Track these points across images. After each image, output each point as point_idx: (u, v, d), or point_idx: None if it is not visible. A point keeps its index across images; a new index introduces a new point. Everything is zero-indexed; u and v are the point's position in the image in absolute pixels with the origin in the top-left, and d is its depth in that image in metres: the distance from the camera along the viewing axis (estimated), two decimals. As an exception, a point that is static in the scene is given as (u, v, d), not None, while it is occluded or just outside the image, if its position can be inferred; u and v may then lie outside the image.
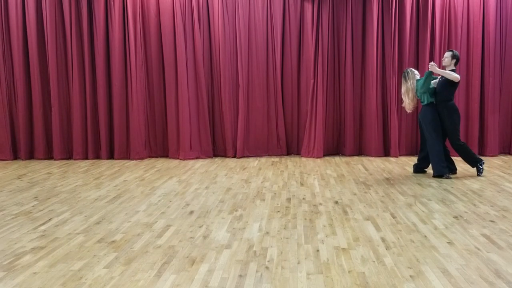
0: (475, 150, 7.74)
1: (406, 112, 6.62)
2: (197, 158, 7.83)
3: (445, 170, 6.07)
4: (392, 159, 7.63)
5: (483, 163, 6.29)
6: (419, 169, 6.44)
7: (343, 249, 3.63)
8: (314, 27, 7.69)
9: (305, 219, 4.42)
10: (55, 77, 7.76)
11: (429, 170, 6.43)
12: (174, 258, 3.50)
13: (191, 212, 4.69)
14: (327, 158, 7.79)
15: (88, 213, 4.71)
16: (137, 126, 7.76)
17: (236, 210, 4.73)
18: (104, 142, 7.89)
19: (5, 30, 7.75)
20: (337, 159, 7.70)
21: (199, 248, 3.69)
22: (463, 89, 7.77)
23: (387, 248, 3.64)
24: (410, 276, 3.14)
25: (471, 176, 6.19)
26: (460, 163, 6.58)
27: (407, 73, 6.24)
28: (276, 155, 8.03)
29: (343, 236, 3.91)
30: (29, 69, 7.84)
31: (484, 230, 4.06)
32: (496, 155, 7.78)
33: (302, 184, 5.87)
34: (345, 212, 4.62)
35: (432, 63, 5.99)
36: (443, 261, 3.38)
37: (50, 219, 4.54)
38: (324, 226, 4.20)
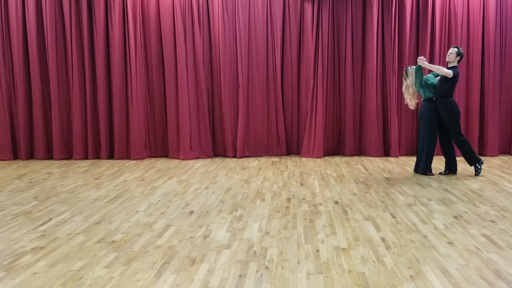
0: (475, 150, 7.74)
1: (410, 109, 6.60)
2: (197, 158, 7.83)
3: (429, 170, 6.22)
4: (392, 159, 7.64)
5: (482, 163, 6.29)
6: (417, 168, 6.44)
7: (343, 249, 3.63)
8: (314, 27, 7.69)
9: (305, 219, 4.42)
10: (55, 77, 7.76)
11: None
12: (174, 258, 3.50)
13: (191, 212, 4.69)
14: (327, 158, 7.79)
15: (88, 213, 4.71)
16: (137, 126, 7.77)
17: (236, 210, 4.73)
18: (104, 142, 7.89)
19: (5, 30, 7.76)
20: (337, 159, 7.70)
21: (199, 248, 3.69)
22: (463, 88, 7.78)
23: (387, 248, 3.64)
24: (410, 276, 3.14)
25: (471, 176, 6.19)
26: (460, 163, 6.58)
27: (406, 71, 6.28)
28: (276, 155, 8.03)
29: (343, 236, 3.91)
30: (29, 69, 7.84)
31: (484, 230, 4.06)
32: (496, 155, 7.78)
33: (302, 184, 5.87)
34: (345, 212, 4.62)
35: (421, 57, 6.02)
36: (443, 261, 3.38)
37: (50, 219, 4.54)
38: (324, 226, 4.20)
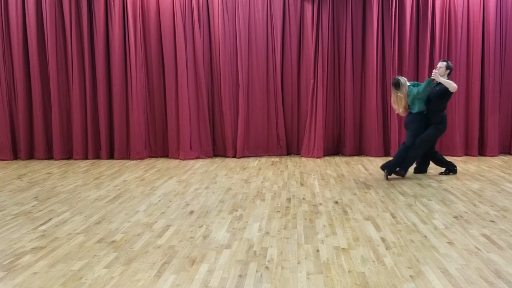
0: (475, 150, 7.76)
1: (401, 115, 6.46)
2: (197, 158, 7.83)
3: (402, 172, 6.11)
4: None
5: (403, 174, 6.07)
6: (419, 170, 6.42)
7: (343, 249, 3.63)
8: (314, 27, 7.68)
9: (305, 219, 4.42)
10: (55, 77, 7.76)
11: (430, 169, 6.43)
12: (174, 258, 3.50)
13: (191, 212, 4.69)
14: (327, 158, 7.79)
15: (88, 213, 4.71)
16: (137, 126, 7.76)
17: (236, 210, 4.73)
18: (104, 142, 7.89)
19: (5, 30, 7.75)
20: (337, 159, 7.70)
21: (199, 248, 3.69)
22: (463, 89, 7.77)
23: (387, 248, 3.64)
24: (410, 276, 3.14)
25: (471, 176, 6.19)
26: (460, 163, 6.58)
27: (398, 82, 6.05)
28: (276, 155, 8.03)
29: (343, 236, 3.91)
30: (29, 69, 7.84)
31: (484, 230, 4.06)
32: (496, 155, 7.78)
33: (302, 184, 5.87)
34: (345, 212, 4.62)
35: (435, 70, 5.93)
36: (443, 261, 3.38)
37: (50, 219, 4.54)
38: (324, 226, 4.20)
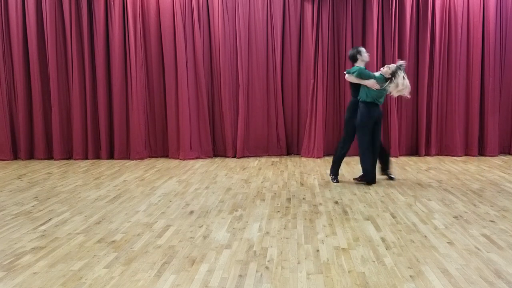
0: (475, 150, 7.76)
1: (408, 98, 6.18)
2: (197, 158, 7.83)
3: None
4: (392, 159, 7.62)
5: (335, 179, 5.98)
6: (384, 168, 6.10)
7: (343, 249, 3.63)
8: (314, 27, 7.68)
9: (305, 219, 4.42)
10: (55, 77, 7.76)
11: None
12: (174, 258, 3.50)
13: (191, 212, 4.69)
14: (327, 158, 7.78)
15: (88, 213, 4.71)
16: (137, 126, 7.76)
17: (236, 210, 4.73)
18: (104, 142, 7.89)
19: (5, 30, 7.75)
20: (337, 159, 7.69)
21: (199, 248, 3.69)
22: (463, 89, 7.78)
23: (387, 248, 3.64)
24: (410, 276, 3.14)
25: (471, 176, 6.19)
26: (460, 163, 6.58)
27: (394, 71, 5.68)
28: (276, 155, 8.03)
29: (343, 236, 3.91)
30: (29, 69, 7.84)
31: (484, 230, 4.06)
32: (496, 155, 7.78)
33: (302, 184, 5.87)
34: (345, 212, 4.62)
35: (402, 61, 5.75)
36: (443, 261, 3.38)
37: (50, 219, 4.54)
38: (324, 226, 4.20)
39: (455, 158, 7.64)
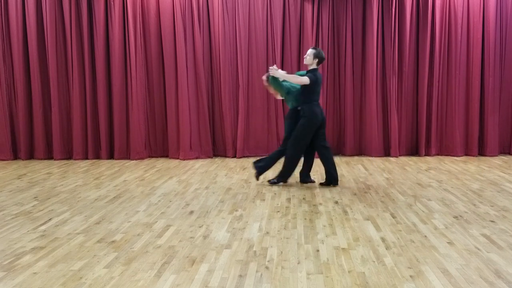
0: (475, 150, 7.76)
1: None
2: (197, 158, 7.82)
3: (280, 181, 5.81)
4: (392, 159, 7.63)
5: (280, 181, 5.81)
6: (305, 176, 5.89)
7: (343, 249, 3.63)
8: (314, 27, 7.68)
9: (305, 219, 4.42)
10: (55, 77, 7.76)
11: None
12: (174, 258, 3.50)
13: (191, 212, 4.69)
14: (327, 158, 7.78)
15: (88, 213, 4.71)
16: (137, 126, 7.76)
17: (236, 210, 4.73)
18: (104, 142, 7.89)
19: (5, 30, 7.75)
20: (337, 159, 7.68)
21: (199, 248, 3.69)
22: (463, 89, 7.78)
23: (387, 248, 3.64)
24: (410, 276, 3.14)
25: (471, 176, 6.19)
26: (460, 163, 6.58)
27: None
28: (276, 155, 8.02)
29: (343, 236, 3.91)
30: (29, 69, 7.84)
31: (484, 230, 4.06)
32: (496, 155, 7.78)
33: (302, 184, 5.87)
34: (345, 212, 4.62)
35: (272, 66, 5.57)
36: (443, 261, 3.38)
37: (50, 219, 4.54)
38: (324, 226, 4.20)
39: (455, 158, 7.64)
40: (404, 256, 3.48)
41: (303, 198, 5.17)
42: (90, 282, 3.12)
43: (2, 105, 7.84)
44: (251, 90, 7.90)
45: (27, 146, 7.96)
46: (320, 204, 4.93)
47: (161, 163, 7.47)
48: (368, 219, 4.38)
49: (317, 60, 5.51)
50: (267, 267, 3.30)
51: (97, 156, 7.96)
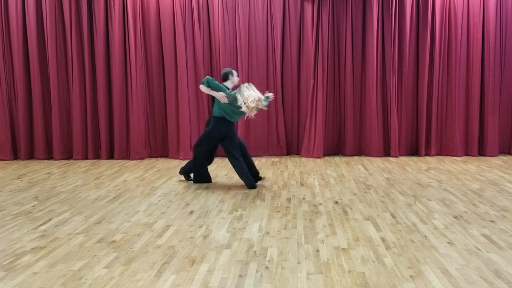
0: (475, 150, 7.76)
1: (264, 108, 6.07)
2: (197, 158, 7.82)
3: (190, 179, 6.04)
4: (392, 159, 7.63)
5: (191, 179, 6.04)
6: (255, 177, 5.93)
7: (343, 249, 3.63)
8: (314, 27, 7.68)
9: (305, 219, 4.42)
10: (55, 77, 7.76)
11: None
12: (174, 258, 3.50)
13: (191, 212, 4.69)
14: (327, 158, 7.79)
15: (88, 213, 4.71)
16: (137, 126, 7.76)
17: (236, 210, 4.73)
18: (104, 142, 7.89)
19: (5, 30, 7.75)
20: (337, 159, 7.70)
21: (199, 248, 3.69)
22: (463, 89, 7.78)
23: (387, 248, 3.64)
24: (410, 276, 3.14)
25: (471, 176, 6.19)
26: (460, 163, 6.58)
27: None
28: (276, 155, 8.02)
29: (343, 236, 3.91)
30: (29, 69, 7.84)
31: (484, 230, 4.06)
32: (496, 155, 7.78)
33: (302, 184, 5.87)
34: (345, 212, 4.62)
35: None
36: (443, 261, 3.38)
37: (50, 219, 4.54)
38: (324, 226, 4.20)
39: (455, 158, 7.64)
40: (404, 256, 3.48)
41: (303, 198, 5.17)
42: (90, 282, 3.12)
43: (2, 105, 7.84)
44: (251, 90, 7.89)
45: (27, 146, 7.96)
46: (320, 204, 4.93)
47: (161, 163, 7.47)
48: (368, 219, 4.38)
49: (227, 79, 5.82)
50: (267, 267, 3.30)
51: (97, 156, 7.96)
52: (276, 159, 7.75)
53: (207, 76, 5.76)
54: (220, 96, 5.59)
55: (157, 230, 4.15)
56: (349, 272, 3.21)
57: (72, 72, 7.78)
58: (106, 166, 7.29)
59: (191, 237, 3.95)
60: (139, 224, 4.34)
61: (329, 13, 7.71)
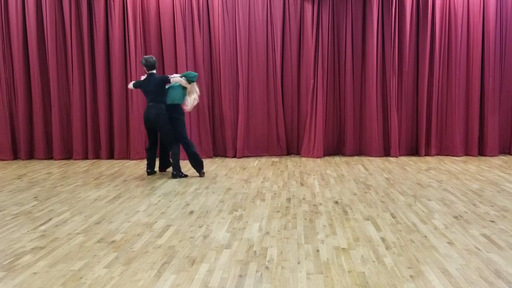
0: (475, 150, 7.77)
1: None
2: (197, 158, 7.82)
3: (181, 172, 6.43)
4: (392, 159, 7.63)
5: (185, 174, 6.42)
6: (163, 167, 6.74)
7: (343, 249, 3.63)
8: (314, 27, 7.68)
9: (305, 219, 4.42)
10: (55, 77, 7.76)
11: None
12: (174, 258, 3.50)
13: (191, 212, 4.69)
14: (327, 158, 7.79)
15: (88, 213, 4.71)
16: (137, 126, 7.76)
17: (236, 210, 4.73)
18: (104, 142, 7.89)
19: (5, 30, 7.75)
20: (337, 159, 7.70)
21: (199, 248, 3.69)
22: (463, 89, 7.78)
23: (387, 248, 3.64)
24: (410, 276, 3.14)
25: (471, 176, 6.19)
26: (460, 163, 6.58)
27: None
28: (276, 155, 8.03)
29: (343, 236, 3.91)
30: (29, 69, 7.84)
31: (484, 230, 4.06)
32: (496, 155, 7.78)
33: (302, 184, 5.87)
34: (345, 212, 4.62)
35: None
36: (443, 261, 3.38)
37: (50, 219, 4.54)
38: (324, 226, 4.20)
39: (455, 158, 7.64)
40: (404, 256, 3.48)
41: (303, 198, 5.17)
42: (90, 282, 3.12)
43: (2, 105, 7.85)
44: (251, 90, 7.90)
45: (27, 146, 7.97)
46: (320, 204, 4.93)
47: (161, 163, 7.46)
48: (368, 219, 4.38)
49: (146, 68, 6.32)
50: (267, 267, 3.30)
51: (97, 156, 7.96)
52: (276, 159, 7.75)
53: (187, 72, 6.31)
54: (183, 82, 6.23)
55: (157, 230, 4.15)
56: (349, 272, 3.21)
57: (72, 72, 7.78)
58: (106, 166, 7.29)
59: (191, 237, 3.95)
60: (139, 224, 4.34)
61: (329, 13, 7.71)
